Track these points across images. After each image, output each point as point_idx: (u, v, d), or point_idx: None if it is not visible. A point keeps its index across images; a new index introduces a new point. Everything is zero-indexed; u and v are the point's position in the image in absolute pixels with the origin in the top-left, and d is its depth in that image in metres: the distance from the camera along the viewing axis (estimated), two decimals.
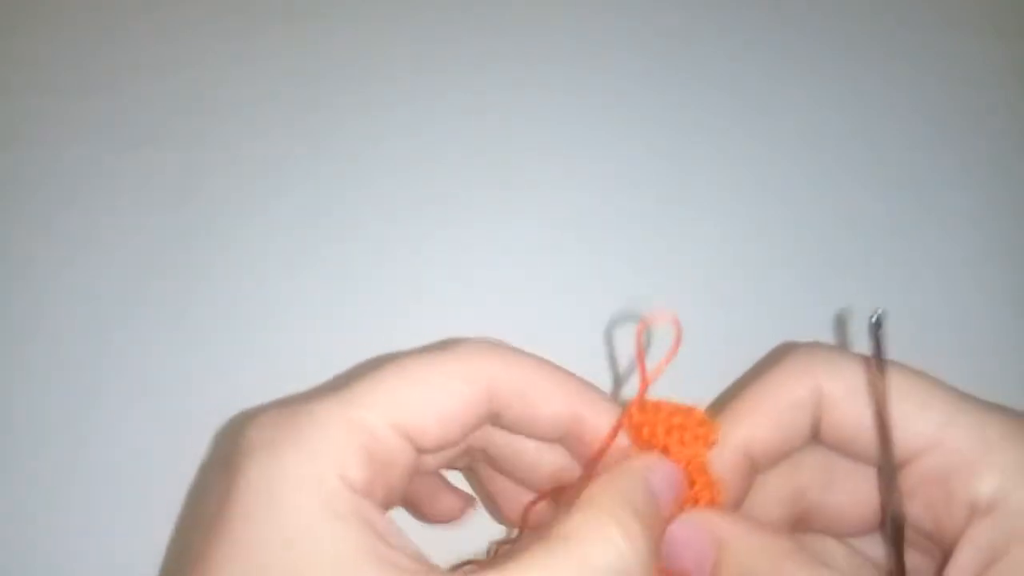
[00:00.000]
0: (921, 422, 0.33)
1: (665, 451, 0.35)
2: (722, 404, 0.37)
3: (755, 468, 0.36)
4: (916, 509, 0.34)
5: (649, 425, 0.35)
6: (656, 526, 0.32)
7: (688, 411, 0.35)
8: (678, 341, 0.34)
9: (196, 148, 0.55)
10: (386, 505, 0.33)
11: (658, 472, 0.33)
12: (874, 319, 0.32)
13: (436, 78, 0.58)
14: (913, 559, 0.35)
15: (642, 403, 0.35)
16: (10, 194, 0.54)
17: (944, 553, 0.34)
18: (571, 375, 0.36)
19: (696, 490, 0.34)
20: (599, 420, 0.35)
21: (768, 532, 0.33)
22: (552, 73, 0.58)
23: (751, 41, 0.59)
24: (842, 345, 0.48)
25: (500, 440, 0.37)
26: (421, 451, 0.34)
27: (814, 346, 0.37)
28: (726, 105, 0.57)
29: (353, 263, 0.52)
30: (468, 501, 0.42)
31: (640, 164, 0.55)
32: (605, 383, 0.48)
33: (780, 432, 0.35)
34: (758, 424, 0.35)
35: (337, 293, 0.51)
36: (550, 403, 0.35)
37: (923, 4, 0.61)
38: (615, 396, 0.48)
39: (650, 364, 0.35)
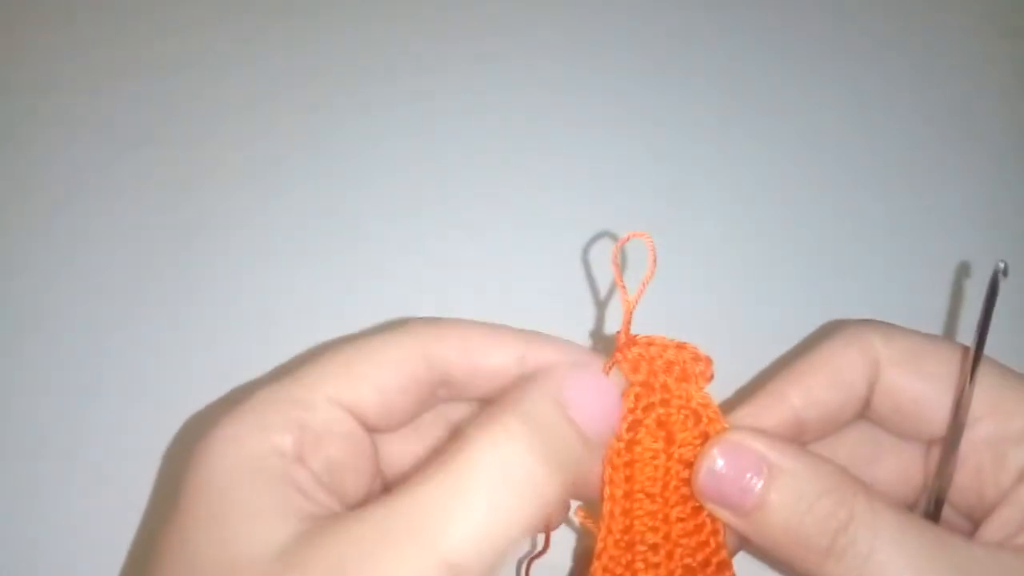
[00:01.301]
0: (977, 389, 0.33)
1: (664, 388, 0.34)
2: (773, 373, 0.37)
3: (802, 435, 0.36)
4: (960, 476, 0.34)
5: (646, 360, 0.34)
6: (570, 453, 0.31)
7: (682, 346, 0.35)
8: (654, 259, 0.33)
9: (193, 148, 0.55)
10: (334, 474, 0.33)
11: (575, 384, 0.33)
12: (1002, 267, 0.32)
13: (434, 81, 0.58)
14: None
15: (630, 336, 0.35)
16: (8, 193, 0.54)
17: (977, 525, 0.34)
18: (515, 328, 0.36)
19: (705, 425, 0.34)
20: (548, 357, 0.35)
21: (820, 458, 0.33)
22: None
23: (752, 40, 0.60)
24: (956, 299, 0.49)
25: (468, 413, 0.37)
26: (371, 424, 0.35)
27: (868, 320, 0.37)
28: (725, 103, 0.57)
29: (352, 263, 0.52)
30: None
31: (639, 163, 0.55)
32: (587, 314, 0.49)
33: (838, 395, 0.35)
34: (816, 388, 0.35)
35: (336, 293, 0.51)
36: (491, 354, 0.35)
37: (923, 4, 0.61)
38: (599, 328, 0.48)
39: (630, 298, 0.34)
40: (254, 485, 0.31)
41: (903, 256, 0.53)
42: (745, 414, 0.36)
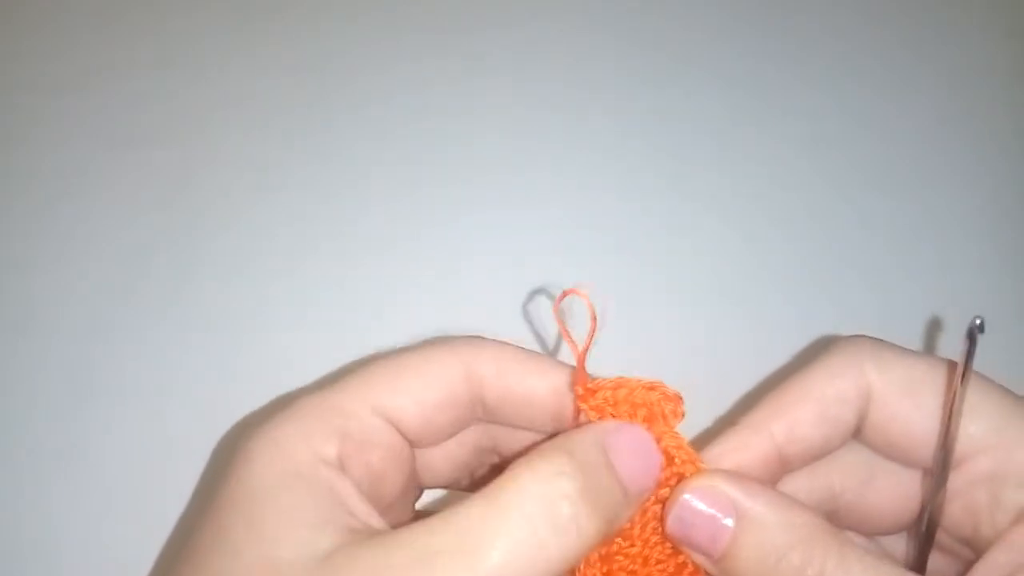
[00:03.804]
0: (973, 424, 0.32)
1: None
2: (759, 396, 0.35)
3: (785, 467, 0.35)
4: (955, 511, 0.33)
5: (611, 405, 0.33)
6: (612, 501, 0.31)
7: (650, 387, 0.34)
8: (593, 314, 0.32)
9: (190, 147, 0.55)
10: (374, 483, 0.34)
11: (619, 436, 0.32)
12: (977, 323, 0.30)
13: (430, 78, 0.58)
14: (934, 559, 0.35)
15: (587, 385, 0.33)
16: (3, 191, 0.54)
17: (970, 559, 0.33)
18: (544, 356, 0.36)
19: (678, 467, 0.33)
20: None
21: (795, 506, 0.32)
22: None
23: (754, 41, 0.60)
24: (930, 348, 0.48)
25: (504, 435, 0.37)
26: (411, 438, 0.35)
27: (859, 339, 0.36)
28: (726, 103, 0.57)
29: (351, 262, 0.52)
30: None
31: (637, 162, 0.55)
32: None
33: (825, 427, 0.34)
34: (802, 418, 0.34)
35: (334, 292, 0.51)
36: (525, 381, 0.35)
37: (924, 5, 0.61)
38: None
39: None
40: (296, 492, 0.31)
41: (905, 255, 0.53)
42: (724, 449, 0.34)
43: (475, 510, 0.29)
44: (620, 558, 0.34)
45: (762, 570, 0.31)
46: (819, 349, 0.36)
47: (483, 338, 0.36)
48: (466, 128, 0.56)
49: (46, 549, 0.45)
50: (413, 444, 0.36)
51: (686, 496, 0.32)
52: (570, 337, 0.34)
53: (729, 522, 0.31)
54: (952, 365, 0.34)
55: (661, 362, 0.48)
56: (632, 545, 0.34)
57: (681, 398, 0.33)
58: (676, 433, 0.33)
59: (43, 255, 0.52)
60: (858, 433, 0.35)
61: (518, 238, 0.53)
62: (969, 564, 0.32)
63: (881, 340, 0.36)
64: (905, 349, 0.35)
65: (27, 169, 0.54)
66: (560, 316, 0.33)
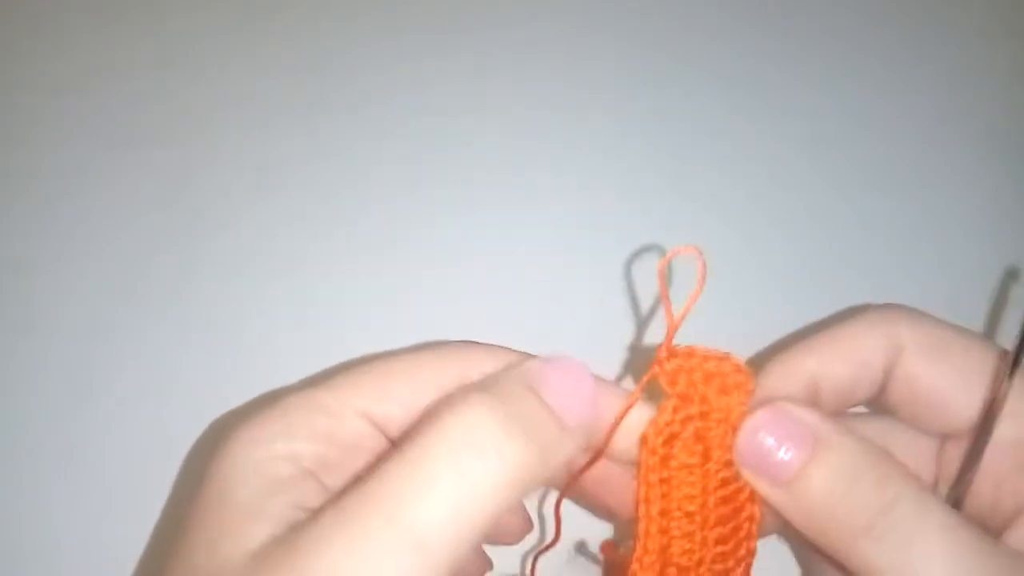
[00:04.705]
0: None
1: (703, 400, 0.33)
2: (791, 342, 0.35)
3: (815, 407, 0.34)
4: (979, 483, 0.33)
5: (685, 372, 0.33)
6: (540, 428, 0.30)
7: (723, 358, 0.33)
8: (703, 276, 0.31)
9: (190, 147, 0.55)
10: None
11: (547, 369, 0.32)
12: None
13: (431, 78, 0.58)
14: None
15: (672, 347, 0.33)
16: (3, 191, 0.54)
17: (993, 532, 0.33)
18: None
19: None
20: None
21: (870, 440, 0.31)
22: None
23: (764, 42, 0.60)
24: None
25: None
26: (396, 443, 0.34)
27: (895, 304, 0.36)
28: (726, 103, 0.57)
29: (351, 263, 0.52)
30: (527, 522, 0.39)
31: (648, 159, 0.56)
32: (627, 328, 0.48)
33: (854, 368, 0.34)
34: (832, 357, 0.34)
35: (331, 292, 0.51)
36: None
37: (924, 4, 0.61)
38: (639, 340, 0.48)
39: (675, 307, 0.33)
40: (252, 486, 0.30)
41: (945, 258, 0.53)
42: (761, 381, 0.34)
43: (398, 461, 0.28)
44: (678, 535, 0.33)
45: (836, 491, 0.30)
46: (853, 312, 0.36)
47: (476, 343, 0.35)
48: (466, 128, 0.56)
49: (46, 549, 0.45)
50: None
51: (759, 416, 0.32)
52: (668, 299, 0.32)
53: (803, 445, 0.31)
54: (990, 342, 0.34)
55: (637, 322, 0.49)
56: (692, 522, 0.33)
57: (752, 373, 0.33)
58: (746, 408, 0.33)
59: (43, 255, 0.52)
60: (882, 395, 0.35)
61: (518, 238, 0.53)
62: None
63: (918, 310, 0.36)
64: (942, 320, 0.35)
65: (27, 169, 0.54)
66: (664, 278, 0.32)
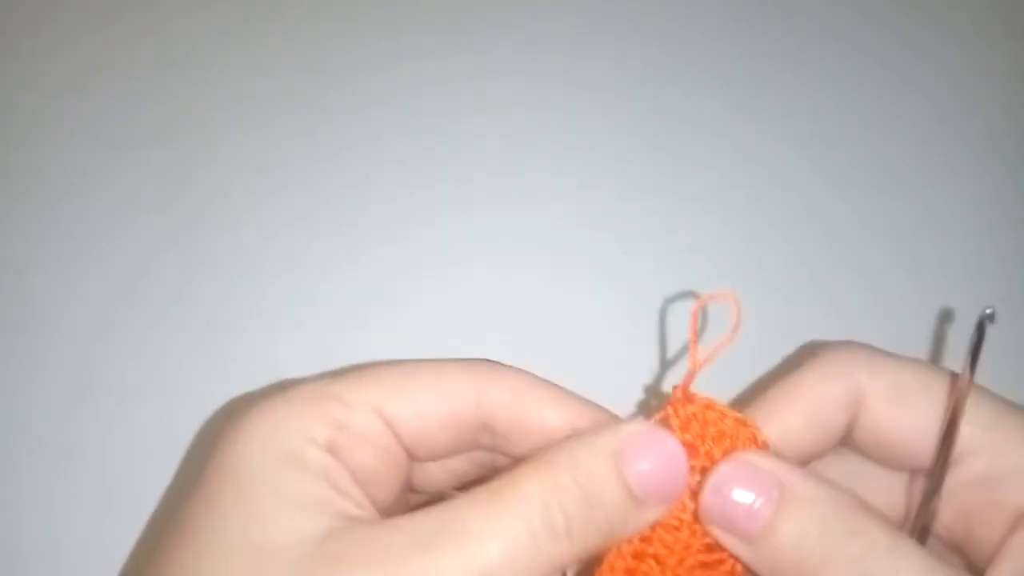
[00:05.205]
0: (966, 426, 0.32)
1: (708, 456, 0.31)
2: (748, 399, 0.35)
3: None
4: (948, 513, 0.33)
5: (698, 424, 0.31)
6: (613, 512, 0.30)
7: (741, 421, 0.32)
8: (737, 323, 0.30)
9: (190, 147, 0.55)
10: (364, 480, 0.33)
11: (636, 443, 0.30)
12: (988, 312, 0.30)
13: (431, 78, 0.58)
14: None
15: (689, 392, 0.32)
16: (3, 191, 0.53)
17: (969, 559, 0.33)
18: (566, 390, 0.35)
19: None
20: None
21: (832, 484, 0.31)
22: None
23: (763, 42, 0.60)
24: (939, 343, 0.47)
25: (505, 461, 0.36)
26: (406, 448, 0.34)
27: (850, 344, 0.35)
28: (726, 103, 0.57)
29: (351, 263, 0.52)
30: None
31: (653, 162, 0.55)
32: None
33: (814, 431, 0.34)
34: (791, 421, 0.33)
35: (332, 292, 0.51)
36: (540, 412, 0.34)
37: (924, 5, 0.61)
38: (660, 382, 0.48)
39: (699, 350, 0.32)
40: (289, 474, 0.31)
41: (945, 258, 0.53)
42: None
43: (476, 506, 0.29)
44: (655, 547, 0.32)
45: (805, 545, 0.29)
46: (810, 352, 0.35)
47: (501, 363, 0.35)
48: (466, 128, 0.56)
49: (46, 549, 0.45)
50: (408, 455, 0.35)
51: (722, 469, 0.30)
52: (695, 341, 0.31)
53: (769, 498, 0.30)
54: (945, 372, 0.34)
55: (661, 362, 0.49)
56: (663, 572, 0.32)
57: (768, 444, 0.32)
58: None
59: (43, 255, 0.52)
60: (847, 437, 0.34)
61: (517, 238, 0.53)
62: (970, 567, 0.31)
63: (870, 345, 0.35)
64: (895, 354, 0.35)
65: (27, 169, 0.54)
66: (697, 318, 0.31)
